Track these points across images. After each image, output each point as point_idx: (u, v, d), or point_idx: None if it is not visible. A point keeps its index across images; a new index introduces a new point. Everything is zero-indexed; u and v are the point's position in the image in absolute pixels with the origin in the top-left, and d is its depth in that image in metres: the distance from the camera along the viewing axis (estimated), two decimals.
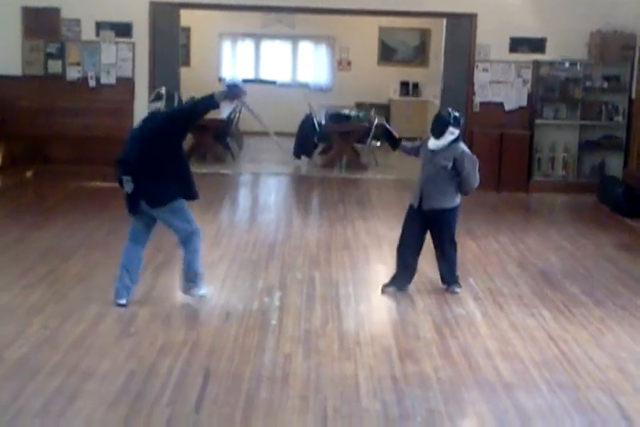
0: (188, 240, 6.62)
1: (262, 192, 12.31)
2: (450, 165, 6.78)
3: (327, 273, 7.56)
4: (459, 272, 7.20)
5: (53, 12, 11.87)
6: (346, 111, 13.95)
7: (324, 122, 13.62)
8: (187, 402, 4.87)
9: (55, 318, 6.17)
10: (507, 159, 11.85)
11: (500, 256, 8.34)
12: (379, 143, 6.85)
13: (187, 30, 15.58)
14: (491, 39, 11.98)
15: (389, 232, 9.22)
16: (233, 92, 6.37)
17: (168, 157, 6.39)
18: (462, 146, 6.87)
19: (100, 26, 11.96)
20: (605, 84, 11.99)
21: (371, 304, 6.90)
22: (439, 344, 5.92)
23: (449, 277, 7.14)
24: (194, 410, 4.78)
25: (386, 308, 6.81)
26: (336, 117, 13.62)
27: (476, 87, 12.11)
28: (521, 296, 7.08)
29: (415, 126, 16.60)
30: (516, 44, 12.04)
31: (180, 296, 7.01)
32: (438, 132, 6.75)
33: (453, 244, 7.06)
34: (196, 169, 12.59)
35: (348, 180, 12.58)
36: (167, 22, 12.06)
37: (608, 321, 6.52)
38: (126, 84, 12.11)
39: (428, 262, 7.96)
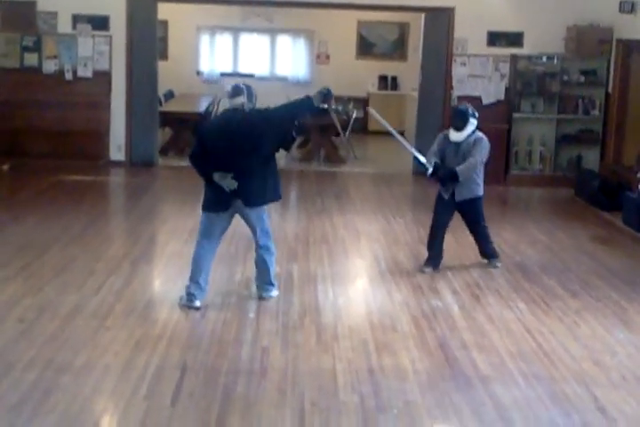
0: (268, 242, 6.59)
1: None
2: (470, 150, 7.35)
3: (305, 266, 7.56)
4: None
5: (30, 5, 11.77)
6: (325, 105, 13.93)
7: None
8: (163, 396, 4.85)
9: (31, 312, 6.13)
10: None
11: (477, 249, 8.33)
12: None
13: (164, 23, 15.47)
14: (468, 33, 12.00)
15: (367, 226, 9.26)
16: (327, 96, 6.37)
17: (271, 157, 6.38)
18: (479, 133, 7.40)
19: (76, 19, 11.86)
20: (582, 78, 12.03)
21: (348, 297, 6.91)
22: (416, 337, 5.94)
23: (489, 251, 7.77)
24: (170, 404, 4.76)
25: (363, 301, 6.82)
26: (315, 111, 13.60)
27: (454, 81, 12.13)
28: (498, 289, 7.11)
29: (393, 120, 16.55)
30: (494, 39, 12.06)
31: (156, 290, 7.01)
32: (461, 124, 7.32)
33: (485, 225, 7.73)
34: (174, 162, 12.70)
35: (326, 173, 12.58)
36: (144, 15, 11.98)
37: (584, 313, 6.56)
38: (103, 78, 12.03)
39: (406, 256, 8.02)
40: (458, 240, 8.61)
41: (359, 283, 7.41)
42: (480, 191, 7.56)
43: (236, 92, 6.35)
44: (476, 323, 6.27)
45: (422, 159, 7.40)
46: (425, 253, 8.03)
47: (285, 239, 8.52)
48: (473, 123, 7.33)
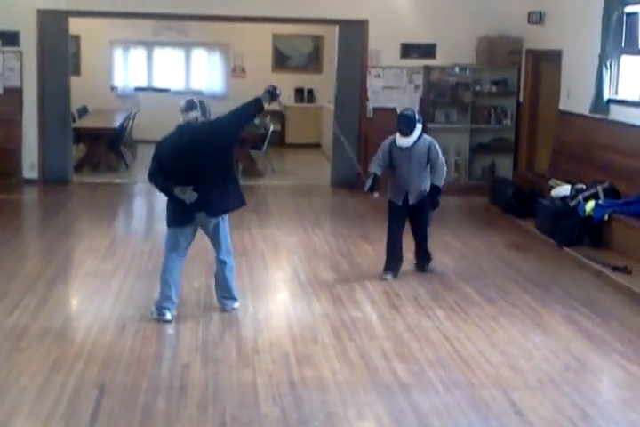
0: (229, 255, 6.64)
1: (157, 201, 12.14)
2: (426, 155, 7.56)
3: None
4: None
5: None
6: None
7: None
8: (81, 416, 4.77)
9: None
10: None
11: None
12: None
13: (76, 38, 15.28)
14: (382, 45, 12.14)
15: (287, 239, 9.26)
16: (273, 94, 6.39)
17: (228, 166, 6.48)
18: (428, 137, 7.68)
19: None
20: (494, 89, 12.29)
21: (269, 311, 6.90)
22: (337, 348, 5.96)
23: (426, 258, 7.97)
24: (89, 424, 4.68)
25: (283, 314, 6.81)
26: None
27: (369, 93, 12.25)
28: (416, 298, 7.19)
29: (310, 132, 16.76)
30: (407, 50, 12.23)
31: (73, 309, 6.90)
32: (408, 130, 7.54)
33: (429, 226, 7.98)
34: (89, 179, 12.53)
35: (244, 187, 12.41)
36: (56, 30, 11.81)
37: (500, 319, 6.68)
38: (14, 94, 11.81)
39: (325, 268, 8.05)
40: (376, 250, 8.67)
41: (279, 296, 7.41)
42: (426, 191, 7.78)
43: (190, 106, 6.39)
44: (395, 332, 6.32)
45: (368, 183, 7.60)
46: (345, 265, 8.10)
47: (204, 253, 8.42)
48: (419, 128, 7.56)
